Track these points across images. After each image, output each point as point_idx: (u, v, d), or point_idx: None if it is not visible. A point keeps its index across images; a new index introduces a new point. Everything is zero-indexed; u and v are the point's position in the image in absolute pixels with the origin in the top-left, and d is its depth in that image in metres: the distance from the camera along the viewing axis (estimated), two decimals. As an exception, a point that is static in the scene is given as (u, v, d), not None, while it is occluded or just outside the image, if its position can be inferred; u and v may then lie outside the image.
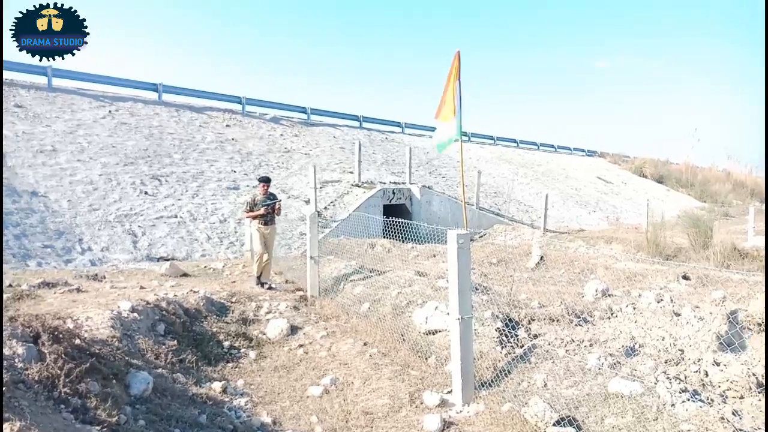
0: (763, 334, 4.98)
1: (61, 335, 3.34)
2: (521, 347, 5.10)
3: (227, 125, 18.22)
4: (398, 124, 27.25)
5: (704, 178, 37.69)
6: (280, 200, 8.42)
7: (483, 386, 4.49)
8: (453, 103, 6.43)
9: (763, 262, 9.72)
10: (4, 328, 3.14)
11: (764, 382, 3.94)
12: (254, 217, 8.02)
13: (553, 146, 38.23)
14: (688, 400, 3.77)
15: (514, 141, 34.86)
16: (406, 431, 3.98)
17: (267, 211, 7.99)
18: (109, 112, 15.58)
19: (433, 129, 27.30)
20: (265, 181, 8.17)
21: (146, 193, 11.95)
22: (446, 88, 6.53)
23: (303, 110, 22.57)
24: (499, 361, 4.87)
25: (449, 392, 4.49)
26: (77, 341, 3.51)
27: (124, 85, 17.53)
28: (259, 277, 8.07)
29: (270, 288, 7.95)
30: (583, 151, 40.84)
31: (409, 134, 26.76)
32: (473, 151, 28.25)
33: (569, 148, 39.68)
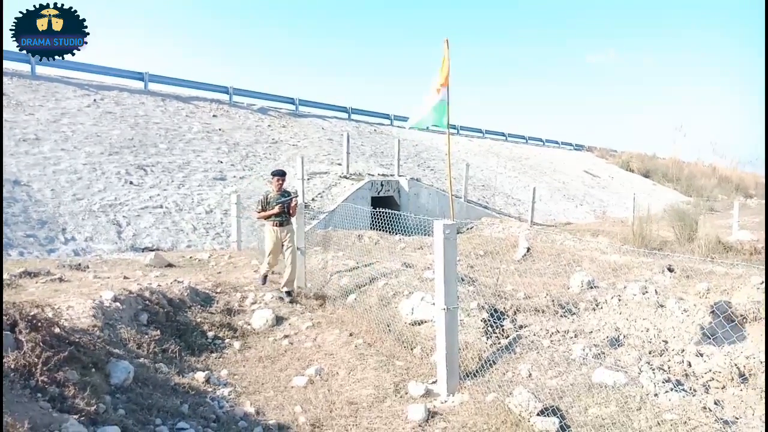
0: (747, 325, 5.03)
1: (39, 323, 3.28)
2: (506, 338, 5.10)
3: (214, 115, 18.06)
4: (387, 116, 27.18)
5: (690, 173, 38.01)
6: (296, 196, 7.36)
7: (468, 376, 4.49)
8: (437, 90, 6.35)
9: (746, 256, 9.83)
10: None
11: (765, 372, 3.97)
12: (266, 218, 7.16)
13: (541, 140, 38.37)
14: (672, 390, 3.79)
15: (503, 134, 34.95)
16: (391, 421, 3.96)
17: (281, 209, 7.07)
18: (94, 100, 15.36)
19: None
20: (280, 174, 7.22)
21: (131, 183, 11.81)
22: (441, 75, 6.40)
23: (291, 101, 22.42)
24: (485, 351, 4.87)
25: (434, 382, 4.49)
26: (56, 329, 3.45)
27: (109, 73, 17.26)
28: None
29: (292, 301, 7.05)
30: (570, 145, 41.05)
31: (398, 126, 26.67)
32: (462, 144, 28.26)
33: (557, 142, 39.86)
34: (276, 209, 7.05)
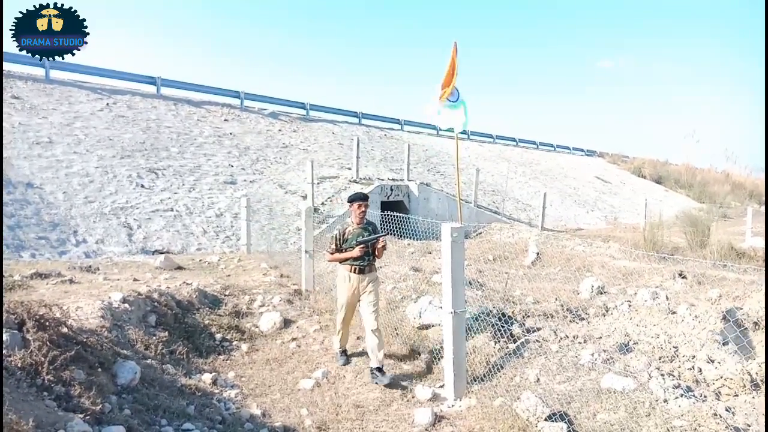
0: (759, 332, 4.95)
1: (47, 323, 3.30)
2: (515, 342, 5.06)
3: (225, 120, 18.17)
4: (397, 121, 27.18)
5: (703, 180, 37.57)
6: (385, 233, 5.07)
7: (475, 381, 4.46)
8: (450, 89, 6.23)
9: (759, 263, 9.70)
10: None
11: (765, 378, 3.91)
12: (341, 261, 5.05)
13: (552, 145, 38.16)
14: (681, 396, 3.74)
15: (514, 140, 34.81)
16: (397, 424, 3.95)
17: (363, 251, 4.89)
18: (107, 104, 15.51)
19: (432, 126, 26.78)
20: (361, 199, 5.06)
21: (142, 186, 11.90)
22: (449, 76, 6.28)
23: (302, 106, 22.48)
24: (492, 355, 4.84)
25: (441, 386, 4.46)
26: (64, 329, 3.47)
27: (122, 78, 17.44)
28: (344, 352, 5.37)
29: (381, 371, 4.75)
30: (582, 150, 40.77)
31: (408, 131, 26.68)
32: (472, 149, 28.21)
33: (568, 148, 39.61)
34: (356, 251, 4.89)
